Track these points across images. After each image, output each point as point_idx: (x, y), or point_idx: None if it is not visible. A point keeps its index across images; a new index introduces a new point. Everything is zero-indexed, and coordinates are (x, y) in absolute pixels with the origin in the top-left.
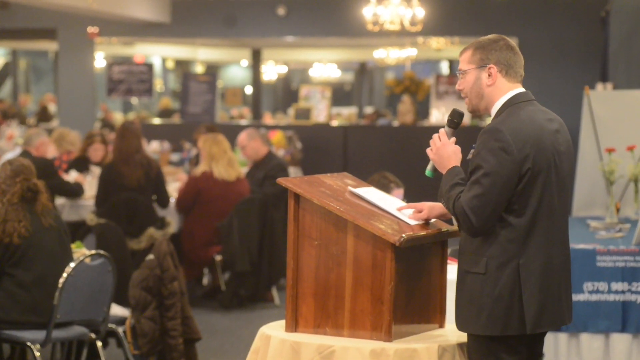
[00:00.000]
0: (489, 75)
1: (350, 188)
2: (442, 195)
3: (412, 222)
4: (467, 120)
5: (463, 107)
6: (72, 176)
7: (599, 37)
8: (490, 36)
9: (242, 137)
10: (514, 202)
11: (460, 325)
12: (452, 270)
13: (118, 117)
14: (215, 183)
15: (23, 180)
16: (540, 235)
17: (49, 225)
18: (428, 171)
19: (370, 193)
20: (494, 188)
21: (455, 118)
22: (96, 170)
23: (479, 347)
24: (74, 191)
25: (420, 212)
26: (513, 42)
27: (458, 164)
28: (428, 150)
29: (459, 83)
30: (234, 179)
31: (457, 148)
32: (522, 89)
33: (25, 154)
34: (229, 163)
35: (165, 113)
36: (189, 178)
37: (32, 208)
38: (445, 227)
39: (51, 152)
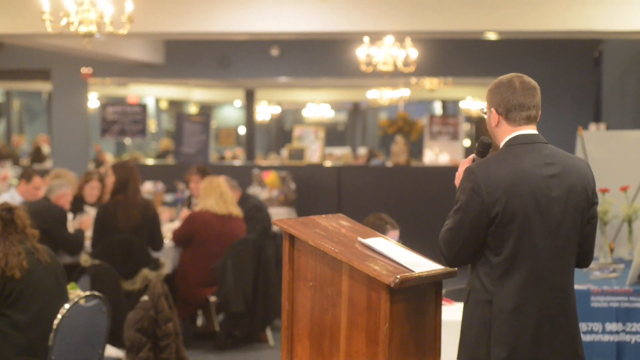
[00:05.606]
0: (493, 117)
1: (360, 239)
2: None
3: (409, 265)
4: None
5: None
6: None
7: (592, 77)
8: (503, 76)
9: None
10: (490, 242)
11: (457, 354)
12: (447, 311)
13: (109, 158)
14: (212, 222)
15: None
16: (519, 277)
17: (46, 263)
18: None
19: (380, 244)
20: (463, 225)
21: (480, 147)
22: (91, 212)
23: None
24: (75, 249)
25: None
26: (524, 80)
27: None
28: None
29: None
30: (225, 213)
31: None
32: (526, 131)
33: (45, 200)
34: (221, 197)
35: (165, 154)
36: (189, 214)
37: (24, 240)
38: (440, 267)
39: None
